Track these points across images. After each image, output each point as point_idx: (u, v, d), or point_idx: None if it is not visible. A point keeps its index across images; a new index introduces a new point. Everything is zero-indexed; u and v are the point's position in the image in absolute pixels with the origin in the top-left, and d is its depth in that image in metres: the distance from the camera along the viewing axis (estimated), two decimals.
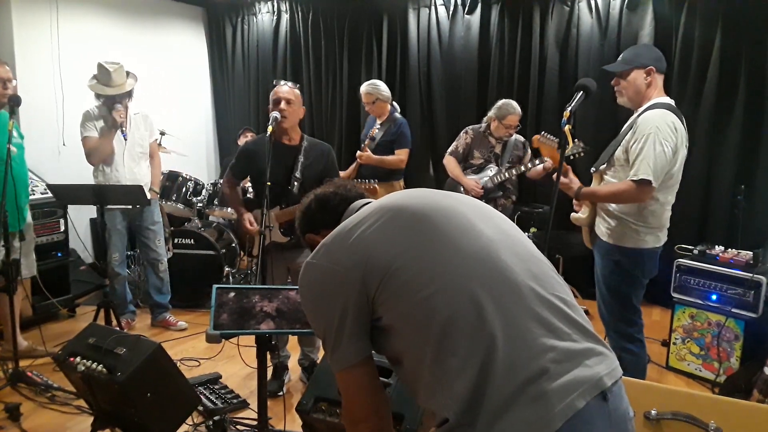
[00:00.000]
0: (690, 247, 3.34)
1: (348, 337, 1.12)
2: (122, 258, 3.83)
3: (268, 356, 2.08)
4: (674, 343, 3.25)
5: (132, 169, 3.72)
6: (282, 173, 2.83)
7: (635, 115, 2.44)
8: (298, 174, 2.86)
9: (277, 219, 2.86)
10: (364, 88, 4.20)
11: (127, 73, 3.68)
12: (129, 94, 3.66)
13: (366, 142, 4.08)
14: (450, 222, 1.14)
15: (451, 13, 5.03)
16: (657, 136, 2.26)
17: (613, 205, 2.44)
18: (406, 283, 1.08)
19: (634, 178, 2.28)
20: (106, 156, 3.63)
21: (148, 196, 3.74)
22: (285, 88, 2.87)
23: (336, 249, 1.17)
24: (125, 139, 3.69)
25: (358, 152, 4.13)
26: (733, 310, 3.01)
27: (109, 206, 3.50)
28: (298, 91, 2.91)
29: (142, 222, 3.83)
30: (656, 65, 2.41)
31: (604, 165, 2.50)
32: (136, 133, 3.75)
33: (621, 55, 2.52)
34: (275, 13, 5.84)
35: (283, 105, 2.81)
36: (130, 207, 3.68)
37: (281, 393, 3.00)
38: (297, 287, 2.14)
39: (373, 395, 1.17)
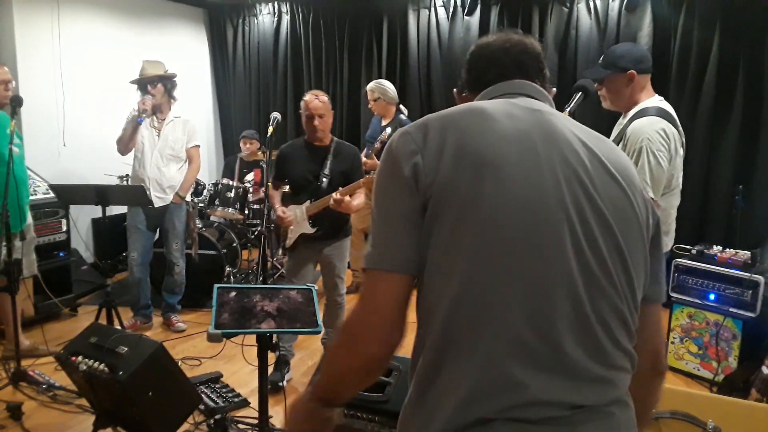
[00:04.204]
0: (688, 246, 3.35)
1: (400, 234, 0.91)
2: (141, 258, 3.83)
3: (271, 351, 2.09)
4: (672, 343, 3.27)
5: (159, 168, 3.75)
6: (313, 171, 3.09)
7: (625, 120, 2.34)
8: (326, 171, 3.08)
9: (307, 212, 3.08)
10: (369, 85, 4.28)
11: (166, 71, 3.81)
12: (160, 80, 3.73)
13: (376, 146, 4.03)
14: (571, 236, 0.88)
15: (450, 14, 5.04)
16: (649, 147, 2.14)
17: None
18: (461, 252, 0.86)
19: None
20: (125, 145, 3.72)
21: (171, 199, 3.79)
22: (317, 103, 3.03)
23: (435, 133, 0.92)
24: (158, 138, 3.74)
25: (364, 159, 4.08)
26: (731, 309, 3.02)
27: (120, 205, 3.62)
28: (327, 100, 3.08)
29: (163, 224, 3.87)
30: (636, 68, 2.26)
31: None
32: (171, 135, 3.78)
33: (601, 57, 2.40)
34: (276, 14, 5.87)
35: (316, 122, 3.03)
36: (152, 207, 3.72)
37: (282, 383, 3.04)
38: (297, 287, 2.17)
39: (398, 314, 0.92)
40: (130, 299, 3.94)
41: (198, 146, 3.97)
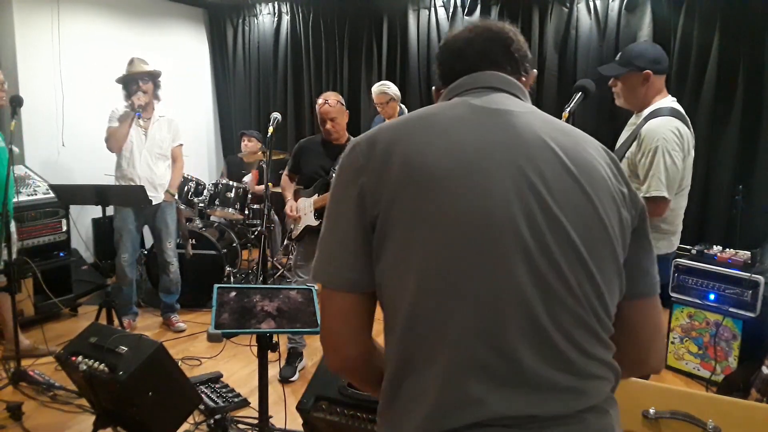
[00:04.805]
0: (688, 246, 3.34)
1: (346, 252, 0.91)
2: (131, 259, 3.84)
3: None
4: (672, 343, 3.27)
5: (148, 168, 3.76)
6: (325, 166, 3.20)
7: (639, 120, 2.35)
8: (336, 167, 3.10)
9: (314, 204, 3.18)
10: (377, 88, 4.28)
11: (154, 70, 3.81)
12: (149, 80, 3.73)
13: None
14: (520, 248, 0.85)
15: (450, 14, 5.05)
16: (665, 147, 2.17)
17: None
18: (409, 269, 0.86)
19: (647, 196, 2.19)
20: (120, 140, 3.69)
21: (163, 197, 3.80)
22: (326, 108, 3.10)
23: (382, 147, 0.90)
24: (146, 138, 3.74)
25: None
26: (731, 309, 3.02)
27: (120, 205, 3.61)
28: (337, 102, 3.14)
29: (155, 223, 3.86)
30: (653, 68, 2.29)
31: None
32: (158, 134, 3.80)
33: (618, 55, 2.41)
34: (276, 14, 5.87)
35: (329, 126, 3.11)
36: (143, 207, 3.71)
37: (294, 378, 3.10)
38: (297, 287, 2.17)
39: (347, 329, 0.95)
40: (123, 301, 3.85)
41: (182, 145, 3.99)
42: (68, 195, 3.54)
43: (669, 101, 2.33)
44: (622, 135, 2.45)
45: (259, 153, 4.82)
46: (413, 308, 0.86)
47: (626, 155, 2.31)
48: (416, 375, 0.87)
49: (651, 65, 2.29)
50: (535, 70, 1.08)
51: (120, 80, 3.77)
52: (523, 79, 1.04)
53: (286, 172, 3.41)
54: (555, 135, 0.92)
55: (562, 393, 0.85)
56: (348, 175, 0.92)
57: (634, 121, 2.41)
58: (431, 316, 0.85)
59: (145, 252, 4.42)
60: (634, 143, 2.27)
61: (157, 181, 3.78)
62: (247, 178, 5.11)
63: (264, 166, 4.53)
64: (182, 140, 4.01)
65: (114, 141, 3.71)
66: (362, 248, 0.90)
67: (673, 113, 2.26)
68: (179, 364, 2.34)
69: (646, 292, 1.00)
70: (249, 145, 5.13)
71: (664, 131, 2.20)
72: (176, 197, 3.99)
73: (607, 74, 2.37)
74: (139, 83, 3.68)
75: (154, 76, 3.77)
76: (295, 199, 3.28)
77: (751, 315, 2.97)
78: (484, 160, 0.87)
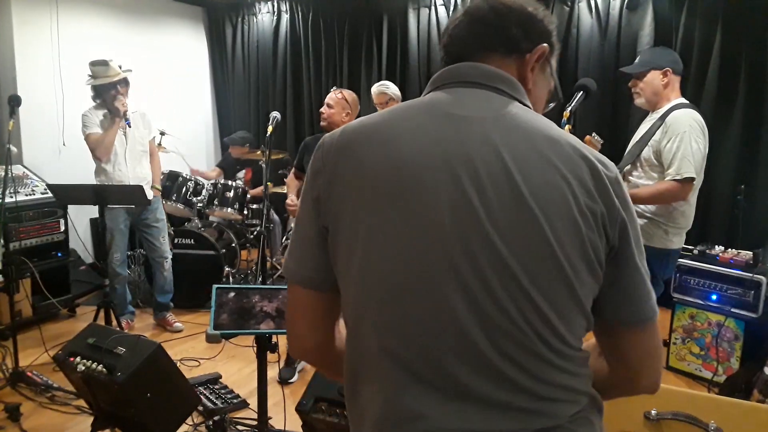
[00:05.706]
0: (690, 247, 3.33)
1: (305, 251, 0.93)
2: (123, 258, 3.83)
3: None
4: (674, 343, 3.25)
5: (134, 167, 3.73)
6: None
7: (657, 116, 2.48)
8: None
9: None
10: (376, 88, 4.30)
11: (119, 67, 3.73)
12: (126, 83, 3.68)
13: None
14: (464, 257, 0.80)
15: (451, 12, 5.03)
16: (691, 134, 2.36)
17: (643, 206, 2.46)
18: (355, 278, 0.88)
19: (678, 177, 2.33)
20: (109, 148, 3.63)
21: (151, 193, 3.77)
22: (330, 95, 3.20)
23: (339, 153, 0.89)
24: (126, 138, 3.71)
25: None
26: (733, 310, 3.01)
27: (111, 206, 3.54)
28: (341, 96, 3.19)
29: (146, 219, 3.84)
30: (673, 67, 2.47)
31: (629, 166, 2.54)
32: (136, 132, 3.76)
33: (638, 57, 2.60)
34: (275, 13, 5.86)
35: (323, 109, 3.17)
36: (133, 206, 3.68)
37: (293, 380, 3.10)
38: None
39: (305, 322, 0.98)
40: (117, 300, 3.80)
41: (155, 138, 4.02)
42: (66, 195, 3.52)
43: (685, 101, 2.51)
44: (640, 129, 2.59)
45: (258, 152, 4.80)
46: (353, 322, 0.89)
47: (650, 143, 2.44)
48: (363, 385, 0.89)
49: (671, 64, 2.48)
50: (545, 45, 0.96)
51: (98, 86, 3.64)
52: (527, 57, 0.94)
53: (292, 170, 3.40)
54: (516, 147, 0.82)
55: (514, 412, 0.81)
56: (310, 177, 0.92)
57: (651, 116, 2.55)
58: (368, 334, 0.86)
59: (143, 252, 4.42)
60: (659, 131, 2.42)
61: (144, 180, 3.76)
62: (240, 174, 5.13)
63: (263, 165, 4.53)
64: (156, 133, 4.05)
65: (103, 149, 3.61)
66: (320, 250, 0.91)
67: (694, 108, 2.46)
68: (178, 365, 2.33)
69: (631, 321, 0.89)
70: (232, 151, 5.16)
71: (690, 120, 2.38)
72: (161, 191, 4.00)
73: (630, 72, 2.53)
74: (117, 87, 3.60)
75: (127, 80, 3.71)
76: (297, 197, 3.28)
77: (753, 316, 2.95)
78: (423, 176, 0.82)
